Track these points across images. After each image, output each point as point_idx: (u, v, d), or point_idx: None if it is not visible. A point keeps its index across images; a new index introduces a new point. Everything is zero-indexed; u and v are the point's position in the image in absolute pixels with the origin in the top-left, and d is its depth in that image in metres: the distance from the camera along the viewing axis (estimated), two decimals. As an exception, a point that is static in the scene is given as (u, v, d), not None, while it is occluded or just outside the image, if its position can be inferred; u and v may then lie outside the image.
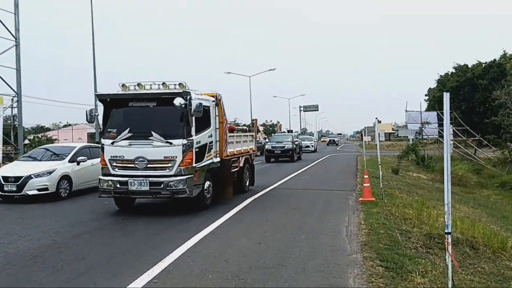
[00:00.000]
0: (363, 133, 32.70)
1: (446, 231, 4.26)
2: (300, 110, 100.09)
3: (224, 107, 11.17)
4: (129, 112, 9.69)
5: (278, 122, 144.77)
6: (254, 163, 14.35)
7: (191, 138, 9.25)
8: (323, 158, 32.32)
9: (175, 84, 9.64)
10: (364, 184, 11.49)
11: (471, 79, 53.01)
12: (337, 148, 60.41)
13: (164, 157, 9.12)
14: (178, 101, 8.89)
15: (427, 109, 47.26)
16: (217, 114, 10.72)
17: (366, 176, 11.64)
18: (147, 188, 9.11)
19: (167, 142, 9.09)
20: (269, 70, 56.97)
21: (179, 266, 5.76)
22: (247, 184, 13.20)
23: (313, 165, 25.28)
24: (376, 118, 11.55)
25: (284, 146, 28.06)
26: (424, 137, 33.99)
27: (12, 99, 64.37)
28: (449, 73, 59.46)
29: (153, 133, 9.12)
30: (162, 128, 9.27)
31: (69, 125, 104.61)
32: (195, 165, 9.38)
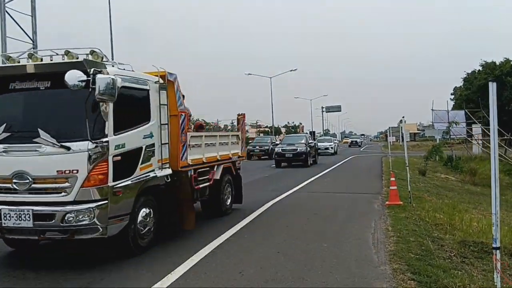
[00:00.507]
0: (388, 133, 31.60)
1: (494, 245, 3.62)
2: (323, 111, 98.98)
3: (181, 93, 7.61)
4: (9, 98, 6.26)
5: (300, 124, 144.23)
6: (241, 172, 10.84)
7: (104, 140, 5.68)
8: (342, 162, 28.98)
9: (86, 54, 6.06)
10: (391, 187, 10.83)
11: (499, 77, 51.18)
12: (361, 149, 59.22)
13: (58, 171, 5.58)
14: (71, 76, 5.41)
15: (454, 109, 45.85)
16: (165, 102, 7.02)
17: (392, 179, 10.98)
18: (29, 223, 5.55)
19: (62, 146, 5.54)
20: (291, 70, 56.31)
21: (189, 279, 5.28)
22: (228, 203, 9.63)
23: (330, 170, 24.56)
24: (403, 117, 10.79)
25: (297, 149, 24.67)
26: (451, 136, 32.86)
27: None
28: (476, 71, 57.73)
29: (40, 131, 5.52)
30: (56, 123, 5.90)
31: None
32: (114, 183, 5.79)
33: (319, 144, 35.67)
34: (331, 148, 39.31)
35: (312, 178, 17.71)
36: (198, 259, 6.03)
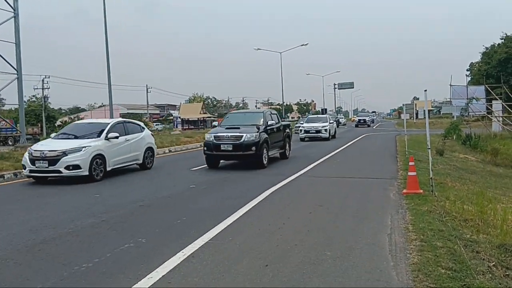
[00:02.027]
0: (403, 110, 29.73)
1: None
2: (335, 88, 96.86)
3: None
4: None
5: (313, 101, 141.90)
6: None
7: None
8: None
9: None
10: (409, 173, 9.28)
11: (522, 50, 48.72)
12: (374, 127, 57.21)
13: None
14: None
15: (470, 85, 43.70)
16: None
17: (411, 163, 9.42)
18: None
19: None
20: (301, 45, 54.30)
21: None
22: None
23: (339, 152, 22.89)
24: (425, 91, 9.15)
25: (240, 139, 13.77)
26: (470, 113, 30.99)
27: (43, 80, 63.46)
28: (496, 45, 55.06)
29: None
30: None
31: (103, 105, 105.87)
32: None
33: (305, 125, 29.49)
34: (325, 131, 28.54)
35: (320, 160, 16.22)
36: (164, 272, 4.62)
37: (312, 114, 59.65)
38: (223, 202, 8.52)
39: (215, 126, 15.73)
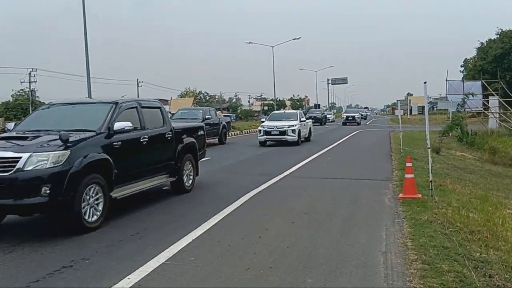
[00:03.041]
0: (396, 106, 28.72)
1: None
2: (328, 83, 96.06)
3: None
4: None
5: (306, 96, 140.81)
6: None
7: None
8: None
9: None
10: (406, 175, 8.26)
11: (517, 46, 47.96)
12: (368, 123, 56.12)
13: None
14: None
15: (465, 81, 42.93)
16: None
17: (408, 164, 8.40)
18: None
19: None
20: (294, 39, 53.15)
21: None
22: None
23: (332, 148, 21.80)
24: (425, 83, 8.13)
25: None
26: (466, 109, 30.10)
27: (30, 73, 61.83)
28: (491, 40, 54.27)
29: None
30: None
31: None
32: None
33: (266, 125, 21.12)
34: (292, 132, 20.52)
35: (311, 158, 15.21)
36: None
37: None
38: (194, 210, 7.48)
39: None
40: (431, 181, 8.05)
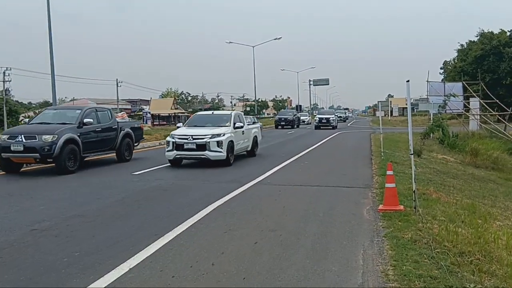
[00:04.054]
0: (377, 107, 27.96)
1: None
2: (310, 84, 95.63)
3: None
4: None
5: (288, 97, 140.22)
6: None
7: None
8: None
9: None
10: (387, 184, 7.38)
11: (497, 47, 47.98)
12: (348, 124, 55.44)
13: None
14: None
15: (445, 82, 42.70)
16: None
17: (389, 172, 7.52)
18: None
19: None
20: (275, 39, 52.56)
21: None
22: None
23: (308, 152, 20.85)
24: (407, 81, 7.27)
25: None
26: (447, 111, 29.63)
27: (4, 73, 59.81)
28: (472, 42, 54.30)
29: None
30: None
31: (74, 99, 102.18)
32: None
33: (180, 133, 13.84)
34: (218, 145, 13.39)
35: (286, 162, 14.29)
36: None
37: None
38: (144, 227, 6.45)
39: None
40: (414, 191, 7.18)
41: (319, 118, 42.36)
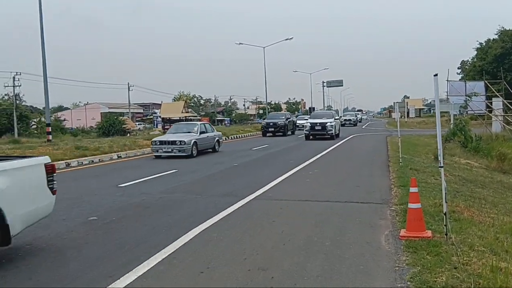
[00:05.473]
0: (394, 108, 26.17)
1: None
2: (323, 86, 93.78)
3: None
4: None
5: (302, 100, 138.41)
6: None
7: None
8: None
9: None
10: (410, 205, 5.90)
11: (519, 45, 45.85)
12: (363, 127, 53.58)
13: None
14: None
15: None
16: None
17: (413, 190, 6.04)
18: None
19: None
20: (286, 39, 51.05)
21: None
22: None
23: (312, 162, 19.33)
24: (435, 75, 5.80)
25: None
26: (469, 111, 27.83)
27: (14, 78, 59.40)
28: (491, 40, 52.20)
29: None
30: None
31: (84, 104, 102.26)
32: None
33: None
34: None
35: (294, 170, 12.87)
36: None
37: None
38: (92, 268, 5.06)
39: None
40: (445, 213, 5.71)
41: (310, 124, 28.53)
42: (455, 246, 5.32)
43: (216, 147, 20.21)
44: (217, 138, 20.49)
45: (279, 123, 33.63)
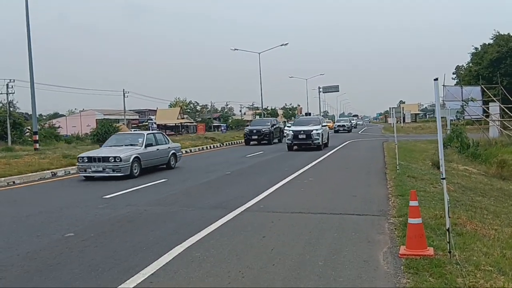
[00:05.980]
0: (390, 114, 25.74)
1: None
2: (319, 91, 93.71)
3: None
4: None
5: (298, 105, 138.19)
6: None
7: None
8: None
9: None
10: (411, 220, 5.45)
11: (515, 50, 45.70)
12: (359, 132, 53.21)
13: None
14: None
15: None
16: None
17: (413, 203, 5.59)
18: None
19: None
20: (281, 45, 50.74)
21: None
22: None
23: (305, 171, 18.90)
24: (436, 79, 5.38)
25: None
26: (466, 117, 27.53)
27: (7, 85, 58.85)
28: (486, 44, 52.08)
29: None
30: None
31: (79, 111, 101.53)
32: None
33: None
34: None
35: (289, 178, 12.42)
36: None
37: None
38: None
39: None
40: (448, 229, 5.26)
41: (293, 132, 24.76)
42: (459, 265, 4.88)
43: (172, 163, 16.47)
44: (172, 151, 16.64)
45: (263, 130, 30.51)
